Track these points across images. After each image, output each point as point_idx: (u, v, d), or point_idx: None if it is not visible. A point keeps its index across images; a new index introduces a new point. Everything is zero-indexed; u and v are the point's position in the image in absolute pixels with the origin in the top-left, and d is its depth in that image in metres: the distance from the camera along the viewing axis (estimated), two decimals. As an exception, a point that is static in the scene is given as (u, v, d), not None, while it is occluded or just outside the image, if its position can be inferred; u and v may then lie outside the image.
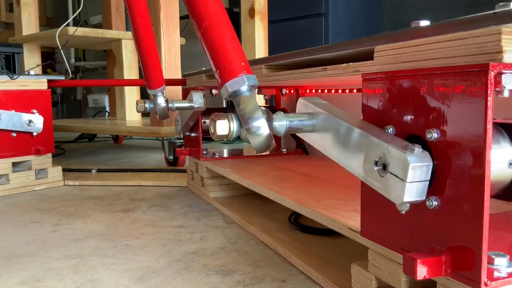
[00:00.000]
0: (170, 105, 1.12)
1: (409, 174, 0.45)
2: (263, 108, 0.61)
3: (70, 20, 2.00)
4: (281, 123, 0.60)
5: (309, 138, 0.64)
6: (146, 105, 1.13)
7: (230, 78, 0.62)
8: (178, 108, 1.13)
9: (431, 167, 0.46)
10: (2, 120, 1.35)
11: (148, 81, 1.14)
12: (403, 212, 0.50)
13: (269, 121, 0.59)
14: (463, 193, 0.44)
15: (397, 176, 0.46)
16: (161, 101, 1.13)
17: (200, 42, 0.66)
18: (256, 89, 0.87)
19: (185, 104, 1.12)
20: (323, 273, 0.69)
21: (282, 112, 0.61)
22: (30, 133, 1.42)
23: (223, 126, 0.60)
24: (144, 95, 1.20)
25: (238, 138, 1.35)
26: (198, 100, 1.07)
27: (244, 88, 0.63)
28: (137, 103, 1.14)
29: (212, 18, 0.64)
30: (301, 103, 0.65)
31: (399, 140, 0.49)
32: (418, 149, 0.46)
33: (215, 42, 0.64)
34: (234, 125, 0.61)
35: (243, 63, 0.64)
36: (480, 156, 0.41)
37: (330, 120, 0.58)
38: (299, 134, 0.65)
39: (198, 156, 1.28)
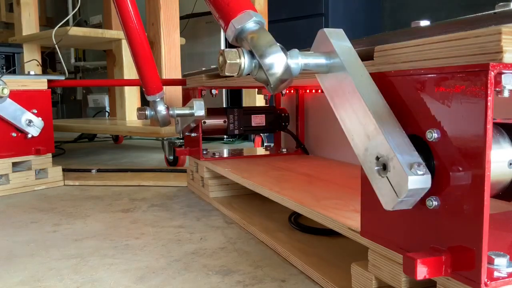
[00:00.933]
0: (170, 112, 1.12)
1: (405, 194, 0.45)
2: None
3: (68, 18, 2.00)
4: (297, 61, 0.53)
5: (321, 80, 0.57)
6: (146, 112, 1.12)
7: (235, 15, 0.57)
8: (178, 115, 1.12)
9: (428, 189, 0.46)
10: (6, 106, 1.34)
11: (146, 87, 1.13)
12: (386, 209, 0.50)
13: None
14: (463, 193, 0.44)
15: (392, 187, 0.46)
16: (161, 108, 1.12)
17: None
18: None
19: (186, 111, 1.11)
20: (323, 273, 0.69)
21: (297, 50, 0.55)
22: (26, 134, 1.41)
23: (233, 62, 0.54)
24: (144, 95, 1.20)
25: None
26: (199, 108, 1.07)
27: (251, 23, 0.57)
28: (137, 111, 1.13)
29: None
30: (321, 36, 0.56)
31: (408, 149, 0.47)
32: (422, 172, 0.45)
33: None
34: (246, 61, 0.55)
35: (247, 1, 0.59)
36: (480, 156, 0.41)
37: (348, 80, 0.51)
38: (317, 76, 0.58)
39: (198, 156, 1.28)
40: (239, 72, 0.55)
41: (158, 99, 1.13)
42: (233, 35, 0.59)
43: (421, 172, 0.45)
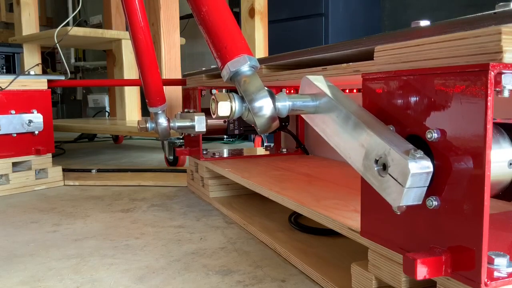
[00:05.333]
0: (171, 124, 1.13)
1: (409, 181, 0.45)
2: (266, 88, 0.60)
3: (69, 19, 2.00)
4: (284, 103, 0.58)
5: (311, 120, 0.62)
6: (147, 124, 1.14)
7: (231, 58, 0.62)
8: (179, 128, 1.14)
9: (431, 174, 0.46)
10: (1, 126, 1.35)
11: (149, 98, 1.14)
12: (399, 213, 0.50)
13: (272, 101, 0.58)
14: (463, 193, 0.44)
15: (396, 180, 0.46)
16: (162, 120, 1.13)
17: (200, 28, 0.66)
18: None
19: (187, 124, 1.13)
20: (323, 273, 0.69)
21: (284, 93, 0.59)
22: (32, 133, 1.42)
23: (225, 107, 0.59)
24: (144, 95, 1.20)
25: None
26: (199, 124, 1.09)
27: (245, 67, 0.62)
28: (138, 124, 1.14)
29: (212, 3, 0.64)
30: (305, 82, 0.62)
31: (402, 142, 0.48)
32: (420, 155, 0.45)
33: (216, 25, 0.64)
34: (236, 105, 0.59)
35: (244, 45, 0.63)
36: (480, 156, 0.41)
37: (333, 105, 0.56)
38: (303, 116, 0.63)
39: (198, 156, 1.28)
40: (230, 115, 0.59)
41: (160, 112, 1.14)
42: (227, 76, 0.63)
43: (419, 155, 0.45)
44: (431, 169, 0.45)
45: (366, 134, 0.50)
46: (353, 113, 0.53)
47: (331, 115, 0.56)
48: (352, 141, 0.53)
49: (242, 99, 0.59)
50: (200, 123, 1.09)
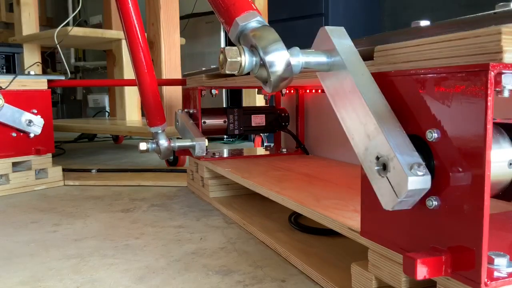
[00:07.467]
0: (172, 144, 1.14)
1: (404, 195, 0.45)
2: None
3: (69, 19, 2.00)
4: (297, 59, 0.53)
5: (322, 79, 0.57)
6: (148, 145, 1.14)
7: (240, 13, 0.58)
8: (180, 148, 1.15)
9: (427, 189, 0.46)
10: (3, 113, 1.34)
11: (150, 119, 1.15)
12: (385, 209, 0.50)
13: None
14: (463, 193, 0.44)
15: (392, 187, 0.46)
16: (163, 141, 1.14)
17: None
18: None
19: (187, 144, 1.15)
20: (323, 273, 0.69)
21: (297, 48, 0.54)
22: (28, 134, 1.41)
23: (234, 60, 0.54)
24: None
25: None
26: (199, 149, 1.11)
27: (255, 23, 0.58)
28: (139, 146, 1.15)
29: None
30: (322, 33, 0.55)
31: (408, 149, 0.47)
32: (422, 172, 0.45)
33: None
34: (246, 60, 0.54)
35: (251, 6, 0.60)
36: (480, 156, 0.41)
37: (346, 76, 0.51)
38: (318, 75, 0.57)
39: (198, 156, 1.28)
40: (239, 70, 0.55)
41: (160, 131, 1.15)
42: (236, 32, 0.59)
43: (421, 173, 0.45)
44: (429, 186, 0.45)
45: (374, 128, 0.48)
46: (367, 96, 0.49)
47: (344, 84, 0.52)
48: (359, 126, 0.50)
49: (252, 52, 0.55)
50: (200, 148, 1.10)
